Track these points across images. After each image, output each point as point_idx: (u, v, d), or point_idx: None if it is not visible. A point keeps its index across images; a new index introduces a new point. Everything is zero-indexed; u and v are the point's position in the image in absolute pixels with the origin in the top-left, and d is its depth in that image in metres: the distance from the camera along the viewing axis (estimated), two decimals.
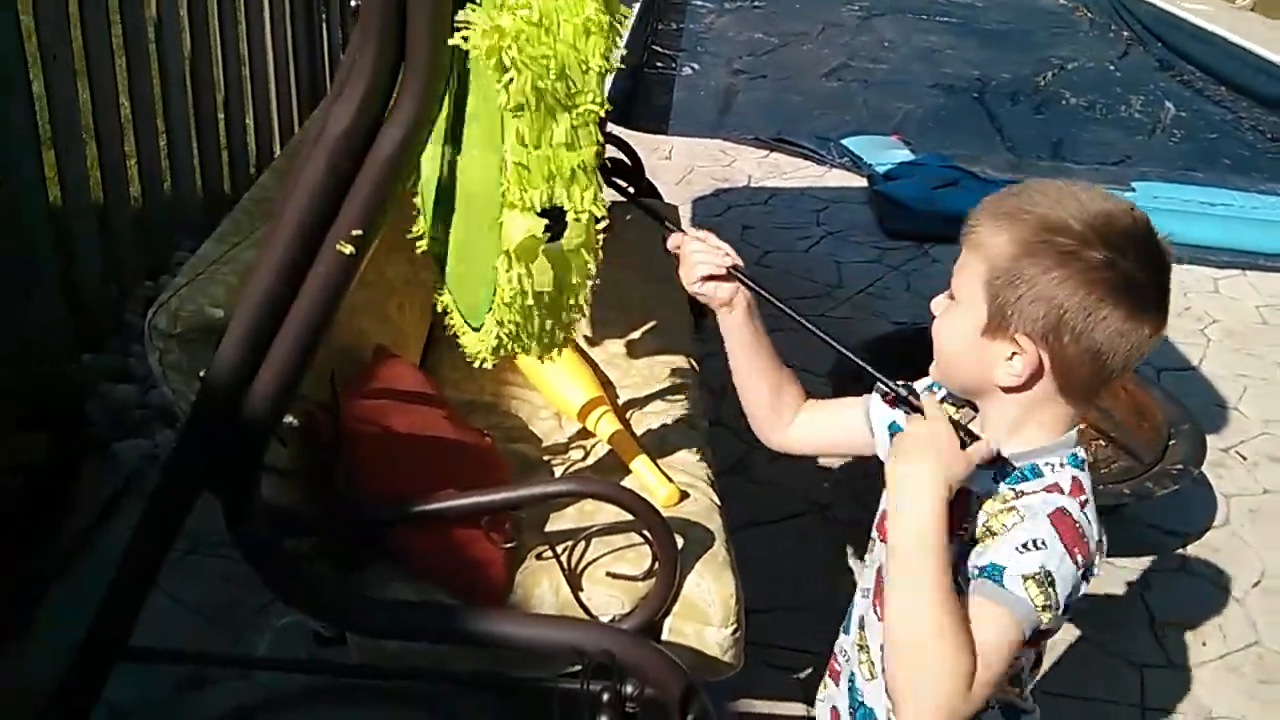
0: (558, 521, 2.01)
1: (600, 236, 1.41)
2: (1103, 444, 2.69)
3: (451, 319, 1.49)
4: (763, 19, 9.49)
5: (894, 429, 1.46)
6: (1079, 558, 1.17)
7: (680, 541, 1.92)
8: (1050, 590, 1.16)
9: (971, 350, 1.24)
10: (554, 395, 2.33)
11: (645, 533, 1.81)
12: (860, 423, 1.53)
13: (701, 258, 1.45)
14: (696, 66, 8.00)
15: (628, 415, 2.34)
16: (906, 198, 4.82)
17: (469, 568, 1.82)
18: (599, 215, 1.37)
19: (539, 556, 1.89)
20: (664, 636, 1.86)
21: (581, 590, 1.84)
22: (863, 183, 5.18)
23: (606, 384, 2.44)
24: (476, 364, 1.48)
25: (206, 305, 1.69)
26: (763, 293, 1.48)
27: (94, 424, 2.99)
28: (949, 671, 1.12)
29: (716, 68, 7.98)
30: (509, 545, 1.83)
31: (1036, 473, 1.24)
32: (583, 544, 1.89)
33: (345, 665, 1.85)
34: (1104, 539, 1.23)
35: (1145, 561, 2.89)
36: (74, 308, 3.28)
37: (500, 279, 1.35)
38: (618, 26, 1.32)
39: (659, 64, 8.02)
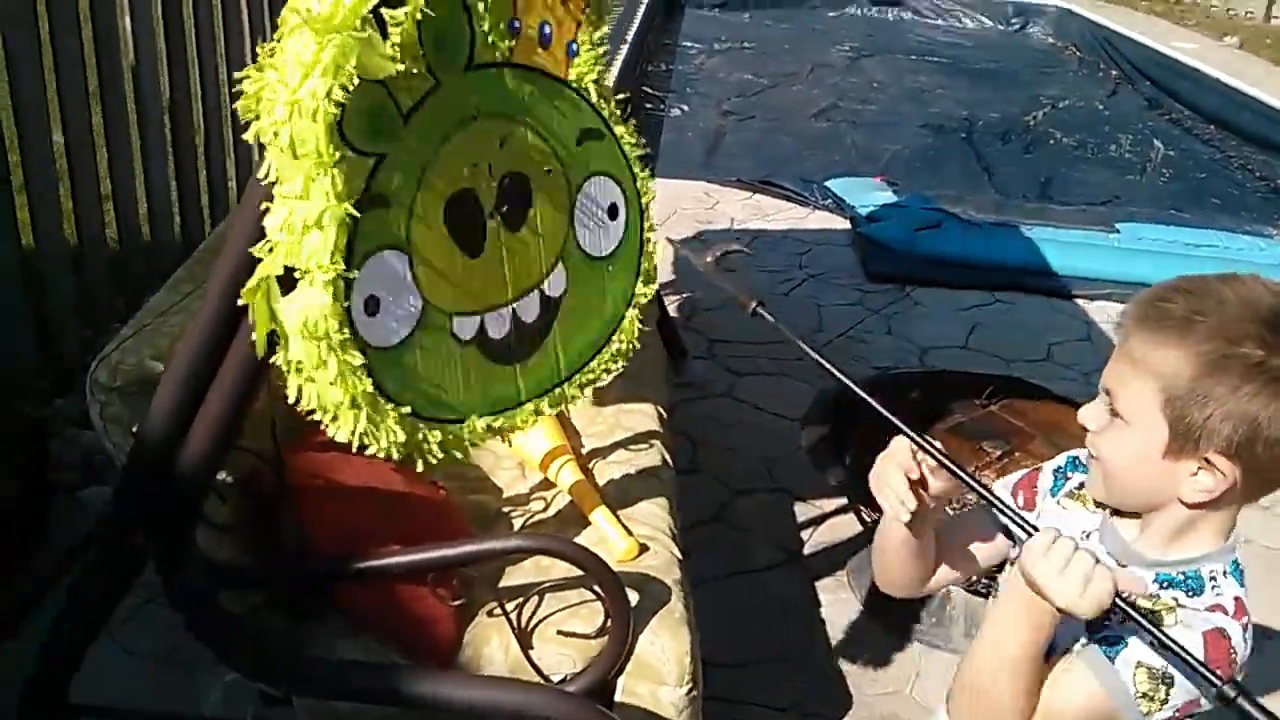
0: (512, 576, 1.97)
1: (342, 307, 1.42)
2: None
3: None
4: (753, 60, 9.54)
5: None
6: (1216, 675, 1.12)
7: (636, 597, 1.88)
8: (1162, 687, 1.13)
9: (1151, 470, 1.19)
10: (515, 445, 2.29)
11: (597, 589, 1.77)
12: (997, 539, 1.46)
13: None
14: (685, 108, 8.03)
15: (591, 464, 2.30)
16: (888, 239, 4.81)
17: (416, 625, 1.78)
18: (327, 278, 1.37)
19: (490, 613, 1.85)
20: (618, 697, 1.82)
21: (532, 648, 1.80)
22: (846, 225, 5.18)
23: (572, 432, 2.41)
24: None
25: (147, 358, 1.66)
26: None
27: (62, 468, 2.95)
28: None
29: (705, 109, 8.00)
30: (457, 602, 1.79)
31: (1199, 581, 1.20)
32: (535, 600, 1.85)
33: None
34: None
35: None
36: (45, 351, 3.26)
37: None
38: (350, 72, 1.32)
39: (648, 105, 8.04)
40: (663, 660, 1.82)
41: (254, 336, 1.41)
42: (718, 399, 3.64)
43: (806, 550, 3.00)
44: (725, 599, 2.74)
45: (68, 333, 3.41)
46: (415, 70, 1.47)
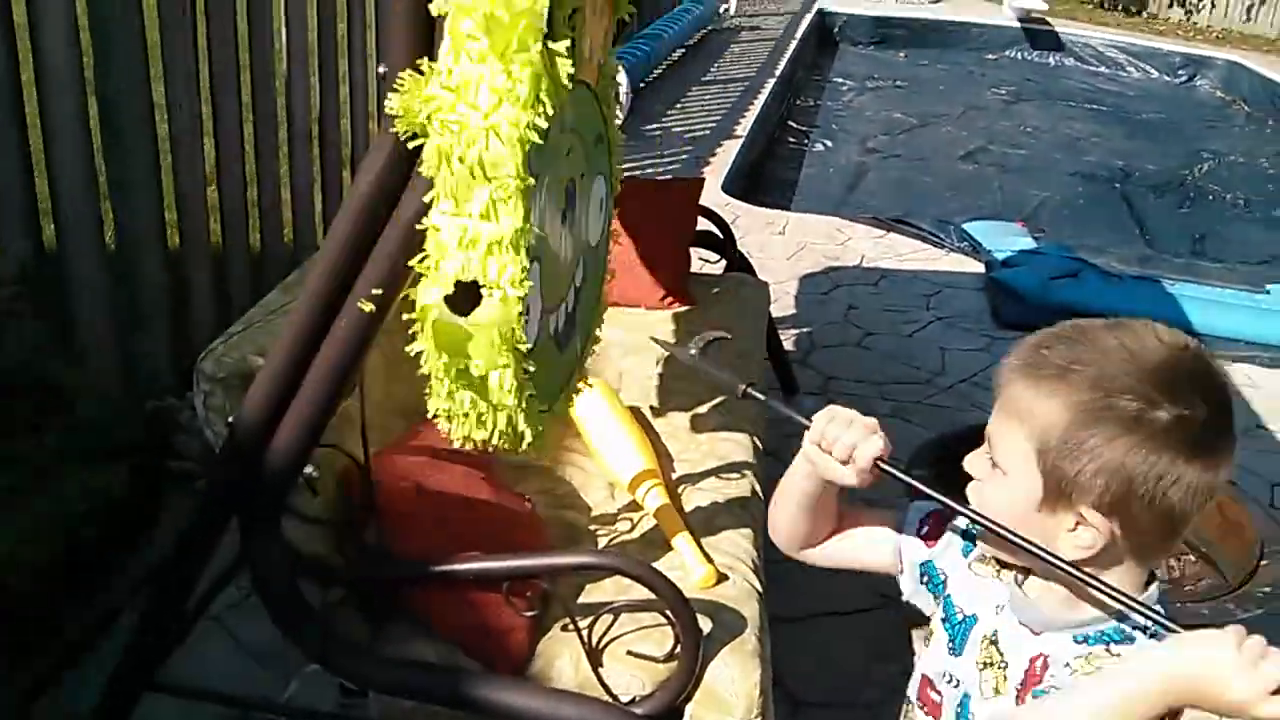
0: (591, 594, 1.98)
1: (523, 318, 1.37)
2: (1191, 559, 2.54)
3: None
4: (903, 99, 9.45)
5: (928, 569, 1.38)
6: None
7: (709, 626, 1.88)
8: None
9: (1026, 523, 1.14)
10: (606, 465, 2.32)
11: (668, 613, 1.77)
12: (888, 559, 1.44)
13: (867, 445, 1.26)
14: (829, 143, 8.00)
15: (680, 490, 2.31)
16: (1022, 286, 4.69)
17: (488, 633, 1.81)
18: (520, 293, 1.34)
19: (564, 628, 1.86)
20: None
21: (602, 666, 1.81)
22: (980, 269, 5.06)
23: (664, 455, 2.42)
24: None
25: (249, 353, 1.73)
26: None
27: (184, 458, 3.09)
28: None
29: (849, 145, 7.96)
30: (530, 614, 1.82)
31: (1120, 633, 1.15)
32: (609, 619, 1.86)
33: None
34: None
35: None
36: (183, 350, 3.41)
37: (419, 344, 1.35)
38: (544, 101, 1.29)
39: (791, 140, 8.04)
40: (731, 691, 1.81)
41: (345, 332, 1.47)
42: None
43: (904, 596, 2.93)
44: (814, 638, 2.70)
45: (205, 333, 3.58)
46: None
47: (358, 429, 1.79)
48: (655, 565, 2.01)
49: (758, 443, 2.51)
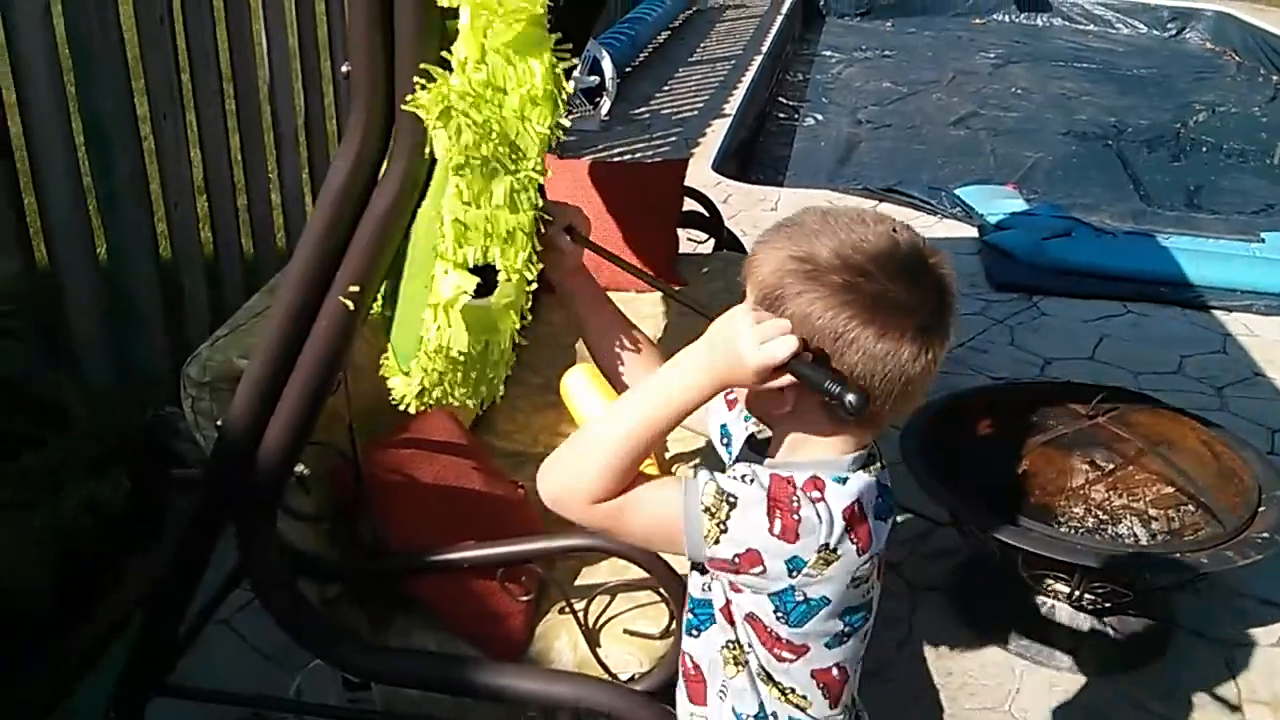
0: (588, 576, 2.00)
1: (530, 297, 1.41)
2: (1190, 509, 2.55)
3: (386, 361, 1.51)
4: (893, 68, 9.43)
5: (724, 430, 1.44)
6: (778, 523, 1.13)
7: None
8: (724, 505, 1.13)
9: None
10: None
11: (660, 590, 1.79)
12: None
13: None
14: (819, 117, 7.98)
15: (674, 471, 2.32)
16: (1014, 247, 4.69)
17: (486, 619, 1.84)
18: (531, 276, 1.37)
19: (561, 611, 1.89)
20: None
21: (600, 646, 1.84)
22: (973, 233, 5.07)
23: None
24: (401, 407, 1.49)
25: (235, 356, 1.75)
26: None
27: (187, 465, 3.11)
28: (591, 473, 1.15)
29: (840, 118, 7.95)
30: (526, 598, 1.84)
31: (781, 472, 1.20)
32: (606, 599, 1.89)
33: (368, 711, 1.88)
34: (840, 550, 1.17)
35: (1236, 635, 2.73)
36: (180, 358, 3.43)
37: (427, 330, 1.36)
38: (561, 99, 1.32)
39: (781, 115, 8.03)
40: None
41: (326, 330, 1.49)
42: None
43: (906, 563, 2.96)
44: None
45: (201, 340, 3.60)
46: None
47: (338, 426, 1.81)
48: None
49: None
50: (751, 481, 1.15)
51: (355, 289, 1.48)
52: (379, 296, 1.54)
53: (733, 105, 7.03)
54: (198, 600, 2.14)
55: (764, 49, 8.50)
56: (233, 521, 1.68)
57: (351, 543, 1.83)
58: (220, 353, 1.77)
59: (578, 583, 1.98)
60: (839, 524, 1.16)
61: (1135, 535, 2.50)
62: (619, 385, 1.49)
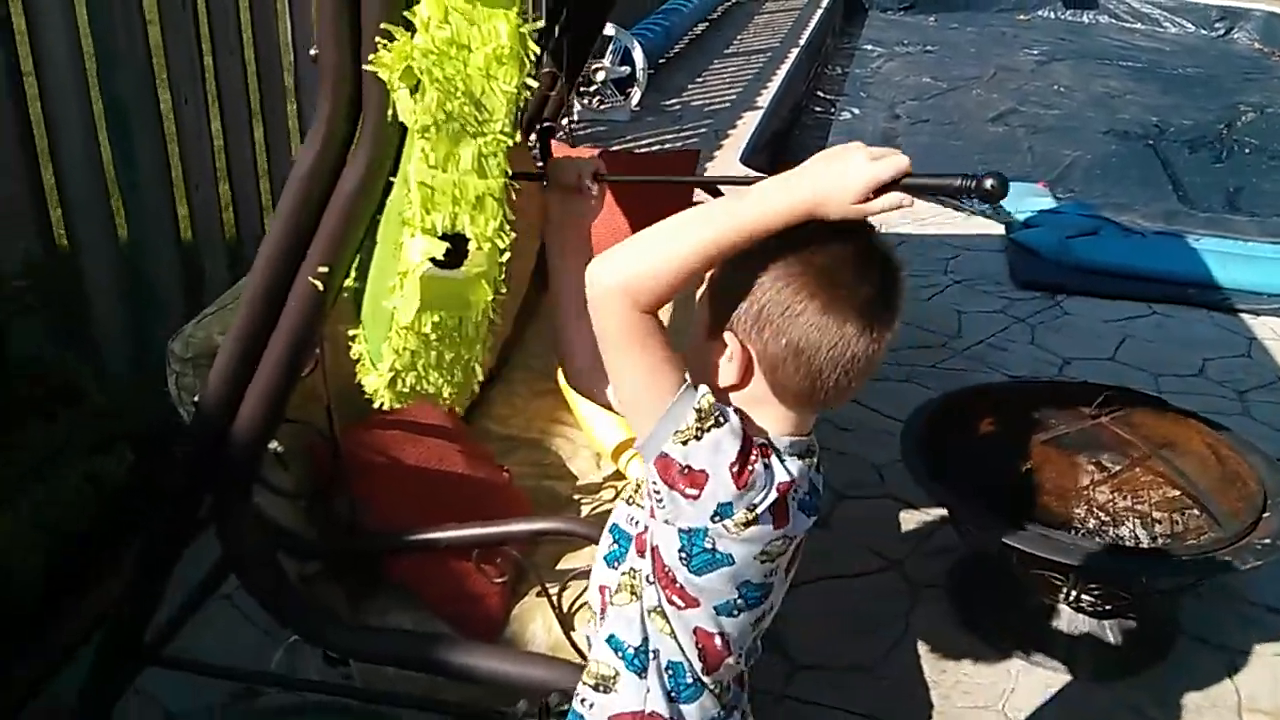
0: (570, 561, 2.01)
1: (503, 269, 1.39)
2: (1195, 512, 2.51)
3: (359, 358, 1.50)
4: (934, 64, 9.36)
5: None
6: (737, 465, 1.13)
7: None
8: (711, 418, 1.13)
9: (699, 353, 1.22)
10: (591, 435, 2.34)
11: None
12: None
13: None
14: (857, 111, 7.94)
15: None
16: (1038, 246, 4.64)
17: (461, 600, 1.85)
18: (503, 245, 1.36)
19: (537, 594, 1.90)
20: None
21: (574, 630, 1.85)
22: (1000, 230, 5.02)
23: None
24: (376, 404, 1.47)
25: (217, 333, 1.77)
26: None
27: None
28: (643, 268, 1.14)
29: (876, 112, 7.90)
30: (500, 580, 1.85)
31: None
32: (583, 584, 1.89)
33: (340, 686, 1.90)
34: (765, 511, 1.17)
35: (1240, 641, 2.69)
36: None
37: (397, 303, 1.35)
38: (527, 59, 1.31)
39: (817, 109, 8.00)
40: None
41: (297, 309, 1.50)
42: None
43: (907, 560, 2.94)
44: (814, 602, 2.71)
45: None
46: None
47: (316, 405, 1.83)
48: None
49: None
50: (730, 419, 1.16)
51: (324, 270, 1.49)
52: (351, 273, 1.54)
53: (765, 98, 7.01)
54: (199, 575, 2.18)
55: (801, 42, 8.46)
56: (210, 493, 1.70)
57: (329, 521, 1.84)
58: (203, 329, 1.80)
59: (559, 567, 1.99)
60: (772, 495, 1.17)
61: (1137, 538, 2.48)
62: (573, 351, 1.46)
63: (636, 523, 1.31)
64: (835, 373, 1.16)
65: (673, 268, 1.13)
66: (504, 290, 1.36)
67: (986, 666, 2.62)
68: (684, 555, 1.20)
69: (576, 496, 2.27)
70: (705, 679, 1.29)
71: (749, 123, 6.45)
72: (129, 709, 2.11)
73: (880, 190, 1.10)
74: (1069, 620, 2.62)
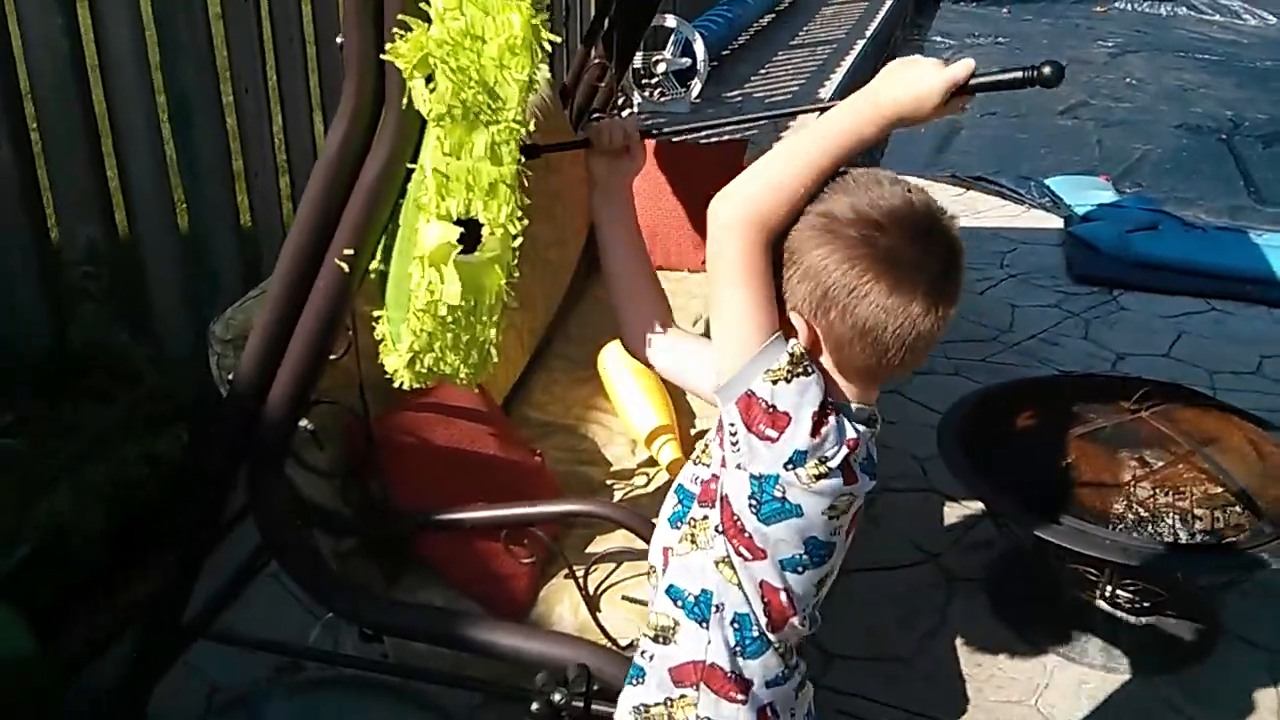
0: (601, 544, 2.05)
1: (515, 253, 1.43)
2: (1237, 509, 2.48)
3: (382, 338, 1.55)
4: (1004, 55, 9.22)
5: None
6: (818, 415, 1.18)
7: None
8: (801, 368, 1.18)
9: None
10: (627, 421, 2.38)
11: None
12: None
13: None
14: None
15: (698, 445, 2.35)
16: (1097, 240, 4.58)
17: (490, 579, 1.89)
18: (515, 231, 1.40)
19: (566, 575, 1.93)
20: None
21: (600, 612, 1.88)
22: (1059, 224, 4.96)
23: (686, 413, 2.46)
24: (396, 384, 1.51)
25: (255, 315, 1.83)
26: None
27: None
28: (762, 189, 1.19)
29: None
30: (528, 561, 1.89)
31: None
32: (610, 567, 1.93)
33: (376, 662, 1.96)
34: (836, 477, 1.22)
35: None
36: None
37: (415, 286, 1.39)
38: (540, 49, 1.34)
39: None
40: None
41: (324, 290, 1.55)
42: (884, 395, 3.59)
43: (947, 553, 2.93)
44: (853, 593, 2.72)
45: None
46: None
47: (350, 386, 1.87)
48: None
49: None
50: (815, 373, 1.20)
51: (350, 253, 1.54)
52: (376, 255, 1.59)
53: (828, 91, 6.98)
54: (244, 554, 2.26)
55: (868, 34, 8.39)
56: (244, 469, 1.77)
57: (362, 500, 1.90)
58: (244, 312, 1.86)
59: (587, 550, 2.03)
60: (843, 450, 1.21)
61: (1176, 534, 2.45)
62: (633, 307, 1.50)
63: (697, 480, 1.35)
64: (900, 351, 1.20)
65: (795, 188, 1.18)
66: (517, 274, 1.41)
67: (1022, 661, 2.60)
68: (754, 502, 1.23)
69: (610, 482, 2.30)
70: (770, 635, 1.31)
71: (810, 115, 6.42)
72: (178, 682, 2.19)
73: (956, 93, 1.19)
74: (1106, 616, 2.60)
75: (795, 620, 1.31)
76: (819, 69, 7.50)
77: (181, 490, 2.70)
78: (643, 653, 1.38)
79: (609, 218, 1.51)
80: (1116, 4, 11.20)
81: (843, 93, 7.00)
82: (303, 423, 1.72)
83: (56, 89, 2.84)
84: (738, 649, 1.31)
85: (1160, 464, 2.55)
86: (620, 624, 1.87)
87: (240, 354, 1.83)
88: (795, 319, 1.21)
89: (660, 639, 1.34)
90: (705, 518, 1.30)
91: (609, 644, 1.85)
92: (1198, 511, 2.48)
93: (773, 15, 8.99)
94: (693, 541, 1.31)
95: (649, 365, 1.51)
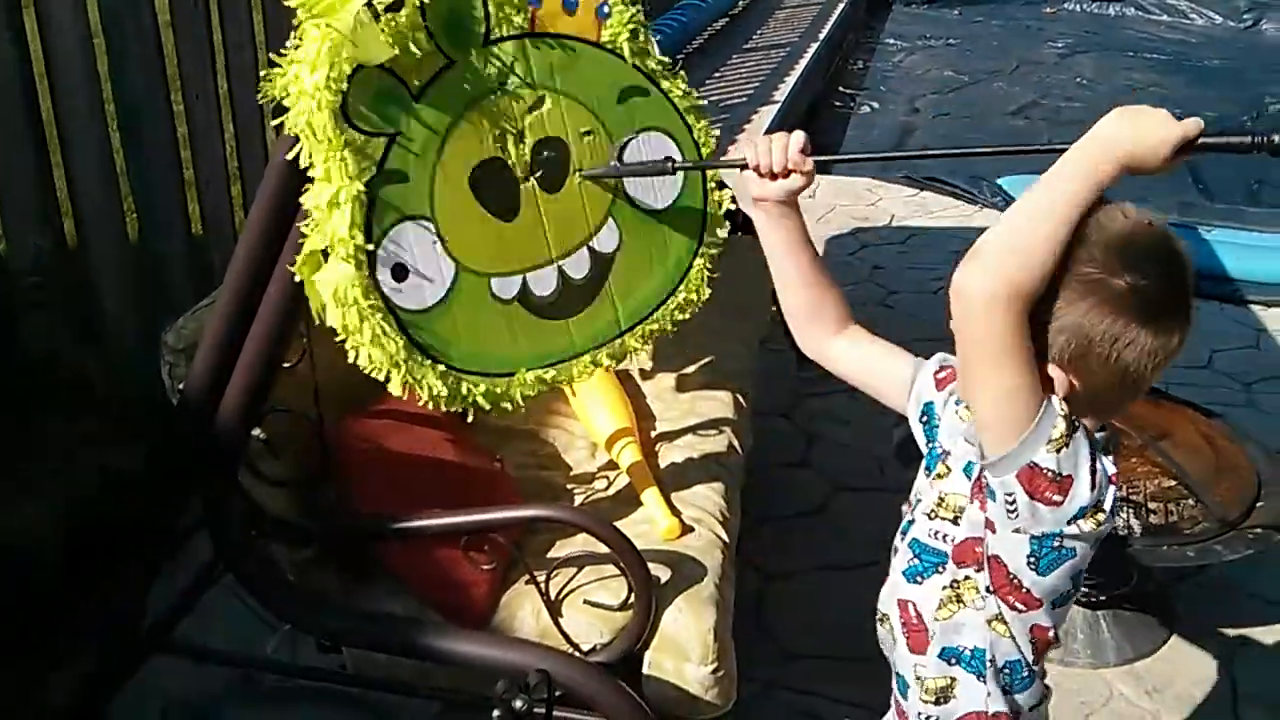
0: (562, 548, 2.04)
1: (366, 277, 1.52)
2: (1190, 503, 2.52)
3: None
4: (955, 57, 9.32)
5: (928, 409, 1.45)
6: (1090, 467, 1.19)
7: (667, 574, 1.93)
8: (1072, 429, 1.18)
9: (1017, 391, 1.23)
10: (587, 424, 2.38)
11: (619, 562, 1.82)
12: (903, 380, 1.50)
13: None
14: (875, 105, 7.93)
15: (658, 448, 2.35)
16: None
17: (450, 587, 1.88)
18: (345, 253, 1.45)
19: (527, 581, 1.93)
20: (645, 670, 1.87)
21: (562, 617, 1.87)
22: None
23: (646, 416, 2.46)
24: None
25: (208, 324, 1.81)
26: None
27: None
28: (1016, 260, 1.15)
29: (896, 106, 7.89)
30: (488, 567, 1.88)
31: None
32: (571, 571, 1.92)
33: (334, 673, 1.94)
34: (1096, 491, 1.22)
35: (1237, 634, 2.68)
36: None
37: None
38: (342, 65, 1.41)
39: (837, 103, 7.99)
40: (686, 637, 1.86)
41: (277, 297, 1.55)
42: (840, 395, 3.60)
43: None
44: (815, 593, 2.73)
45: None
46: (424, 51, 1.56)
47: (305, 394, 1.86)
48: (628, 518, 2.09)
49: (741, 400, 2.55)
50: (1079, 423, 1.20)
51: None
52: None
53: (782, 93, 7.01)
54: (200, 563, 2.23)
55: (821, 36, 8.44)
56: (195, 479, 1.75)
57: (319, 509, 1.88)
58: (195, 321, 1.85)
59: (549, 555, 2.02)
60: (1111, 489, 1.23)
61: (1130, 528, 2.48)
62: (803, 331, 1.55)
63: (945, 537, 1.34)
64: (1150, 381, 1.22)
65: (1049, 250, 1.15)
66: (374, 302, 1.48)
67: None
68: (1032, 560, 1.25)
69: (570, 486, 2.30)
70: (1035, 668, 1.35)
71: (764, 117, 6.45)
72: (133, 697, 2.16)
73: (1183, 149, 1.18)
74: (1083, 617, 2.62)
75: (1053, 643, 1.35)
76: (773, 72, 7.53)
77: (136, 502, 2.69)
78: (920, 715, 1.40)
79: (775, 236, 1.51)
80: (1066, 5, 11.34)
81: (795, 96, 7.05)
82: (256, 431, 1.70)
83: (2, 97, 2.80)
84: (1008, 688, 1.34)
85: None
86: (582, 629, 1.87)
87: (191, 364, 1.82)
88: (1054, 371, 1.20)
89: (940, 700, 1.37)
90: (968, 578, 1.32)
91: (570, 649, 1.85)
92: (1152, 505, 2.51)
93: (726, 19, 9.02)
94: (959, 602, 1.33)
95: (830, 367, 1.55)
